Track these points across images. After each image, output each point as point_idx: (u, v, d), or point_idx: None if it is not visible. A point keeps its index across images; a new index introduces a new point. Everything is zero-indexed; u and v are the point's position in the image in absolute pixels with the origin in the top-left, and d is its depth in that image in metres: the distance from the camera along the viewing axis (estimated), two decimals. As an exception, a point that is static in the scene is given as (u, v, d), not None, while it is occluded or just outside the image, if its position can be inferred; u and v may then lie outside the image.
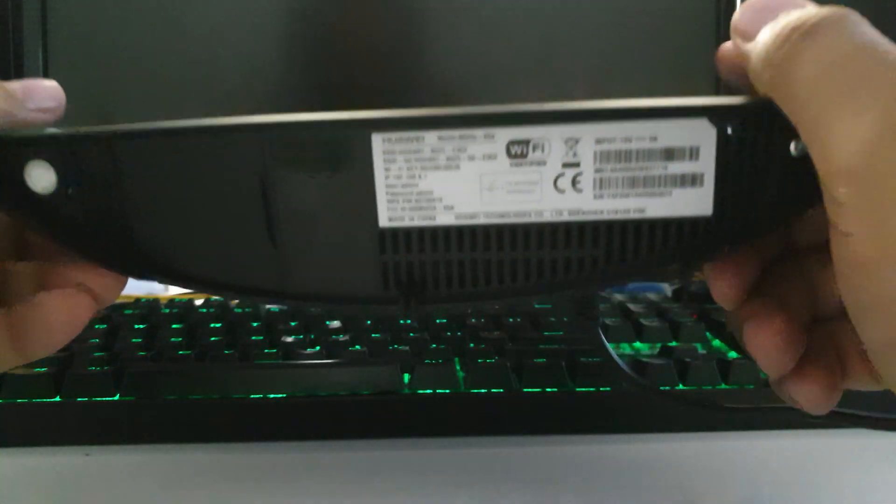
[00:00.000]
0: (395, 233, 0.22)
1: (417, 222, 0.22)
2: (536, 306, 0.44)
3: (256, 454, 0.31)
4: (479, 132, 0.21)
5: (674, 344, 0.38)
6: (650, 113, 0.21)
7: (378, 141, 0.21)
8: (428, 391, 0.33)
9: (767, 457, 0.31)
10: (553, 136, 0.21)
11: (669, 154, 0.21)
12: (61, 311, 0.22)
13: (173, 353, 0.35)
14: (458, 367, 0.34)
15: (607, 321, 0.40)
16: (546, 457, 0.31)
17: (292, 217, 0.22)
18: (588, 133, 0.21)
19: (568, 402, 0.33)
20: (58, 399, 0.32)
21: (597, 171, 0.21)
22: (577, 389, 0.33)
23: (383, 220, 0.22)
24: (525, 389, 0.33)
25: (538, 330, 0.39)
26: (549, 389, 0.33)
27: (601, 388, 0.33)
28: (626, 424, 0.33)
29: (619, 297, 0.46)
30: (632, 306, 0.43)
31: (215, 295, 0.24)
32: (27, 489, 0.29)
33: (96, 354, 0.34)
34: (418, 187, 0.21)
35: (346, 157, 0.21)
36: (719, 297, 0.22)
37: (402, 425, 0.33)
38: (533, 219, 0.21)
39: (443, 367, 0.33)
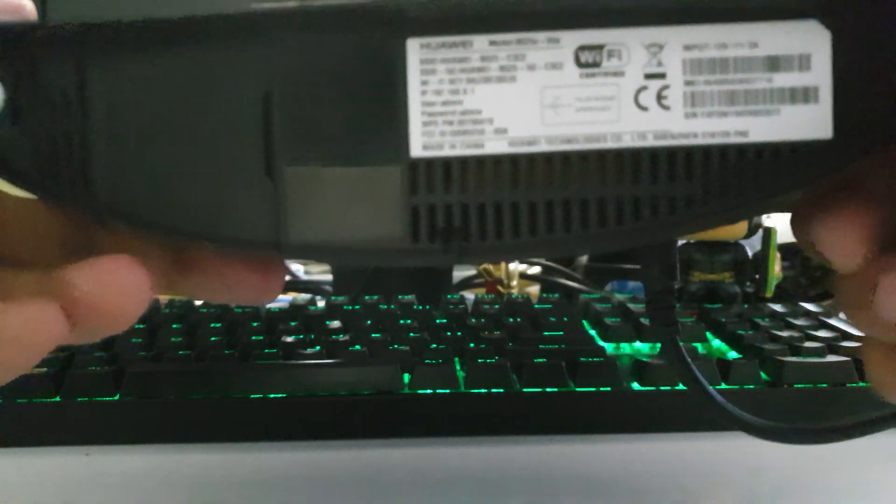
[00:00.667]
0: (430, 165, 0.18)
1: (460, 151, 0.17)
2: (536, 307, 0.44)
3: (256, 454, 0.31)
4: (540, 35, 0.17)
5: (674, 344, 0.38)
6: (746, 13, 0.17)
7: (415, 48, 0.17)
8: (428, 391, 0.33)
9: (769, 456, 0.31)
10: (632, 41, 0.17)
11: (774, 64, 0.17)
12: (11, 327, 0.17)
13: (173, 353, 0.35)
14: (458, 367, 0.34)
15: (606, 321, 0.40)
16: (546, 457, 0.31)
17: (297, 142, 0.18)
18: (675, 37, 0.17)
19: (568, 402, 0.33)
20: (58, 399, 0.32)
21: (687, 83, 0.17)
22: (578, 389, 0.33)
23: (416, 149, 0.17)
24: (525, 389, 0.33)
25: (538, 330, 0.39)
26: (549, 389, 0.33)
27: (601, 388, 0.33)
28: (627, 424, 0.33)
29: (619, 297, 0.46)
30: (632, 306, 0.43)
31: (191, 241, 0.19)
32: (27, 489, 0.29)
33: (96, 354, 0.34)
34: (463, 105, 0.17)
35: (371, 66, 0.17)
36: (842, 253, 0.18)
37: (402, 425, 0.33)
38: (609, 144, 0.17)
39: (443, 367, 0.33)
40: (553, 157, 0.18)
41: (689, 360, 0.23)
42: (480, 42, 0.17)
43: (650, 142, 0.17)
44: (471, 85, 0.17)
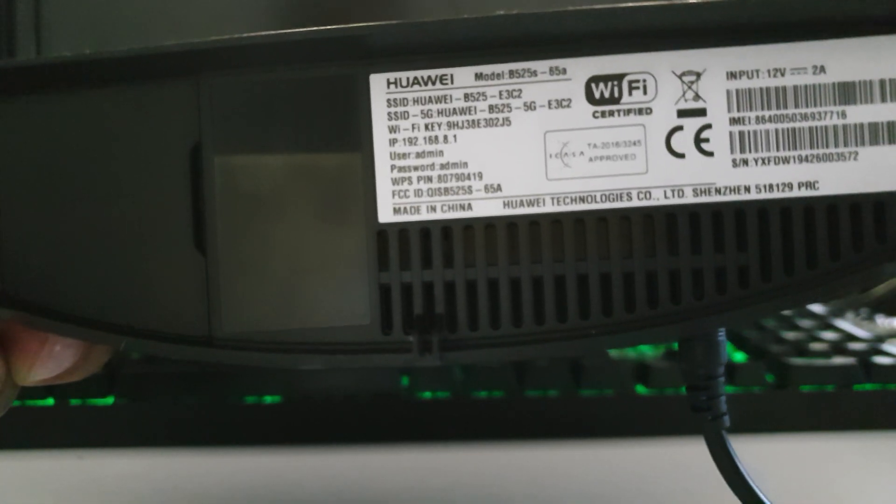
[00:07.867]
0: (403, 233, 0.14)
1: (442, 214, 0.14)
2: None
3: (251, 458, 0.31)
4: (540, 64, 0.13)
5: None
6: (809, 27, 0.13)
7: (380, 85, 0.14)
8: (427, 394, 0.32)
9: (773, 460, 0.30)
10: (660, 69, 0.13)
11: (848, 93, 0.13)
12: None
13: (168, 355, 0.35)
14: (458, 370, 0.34)
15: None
16: (549, 462, 0.30)
17: (233, 206, 0.14)
18: (716, 62, 0.13)
19: (571, 406, 0.32)
20: (51, 401, 0.32)
21: (734, 121, 0.14)
22: (581, 392, 0.32)
23: (385, 214, 0.14)
24: (527, 392, 0.32)
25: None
26: (551, 393, 0.32)
27: (605, 392, 0.32)
28: (631, 428, 0.32)
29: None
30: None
31: (103, 343, 0.15)
32: (18, 493, 0.28)
33: (90, 356, 0.34)
34: (443, 157, 0.14)
35: (325, 109, 0.14)
36: None
37: (401, 429, 0.32)
38: (635, 202, 0.14)
39: (442, 370, 0.33)
40: (562, 221, 0.14)
41: (740, 463, 0.19)
42: (463, 76, 0.14)
43: (689, 198, 0.14)
44: (453, 131, 0.14)
